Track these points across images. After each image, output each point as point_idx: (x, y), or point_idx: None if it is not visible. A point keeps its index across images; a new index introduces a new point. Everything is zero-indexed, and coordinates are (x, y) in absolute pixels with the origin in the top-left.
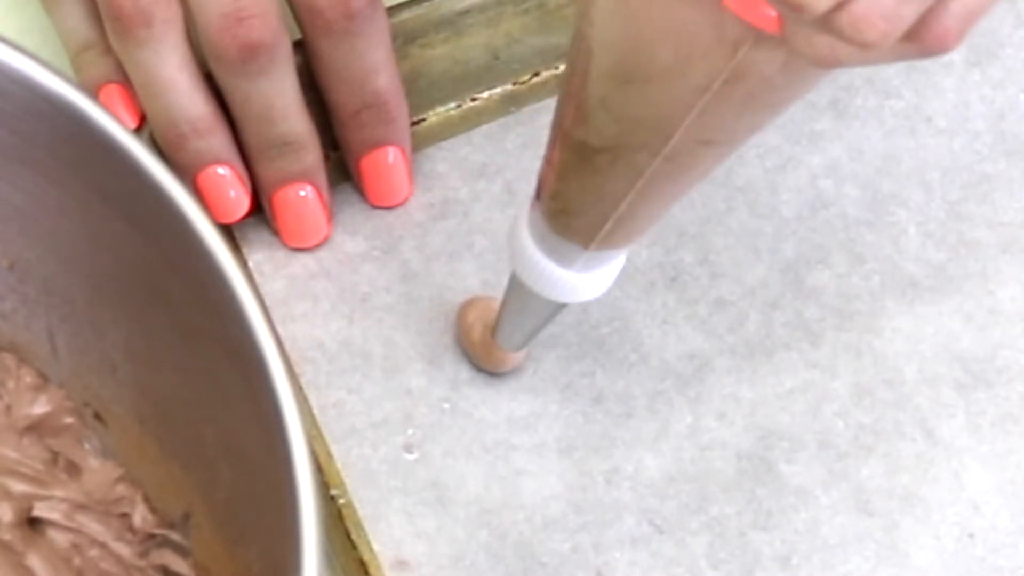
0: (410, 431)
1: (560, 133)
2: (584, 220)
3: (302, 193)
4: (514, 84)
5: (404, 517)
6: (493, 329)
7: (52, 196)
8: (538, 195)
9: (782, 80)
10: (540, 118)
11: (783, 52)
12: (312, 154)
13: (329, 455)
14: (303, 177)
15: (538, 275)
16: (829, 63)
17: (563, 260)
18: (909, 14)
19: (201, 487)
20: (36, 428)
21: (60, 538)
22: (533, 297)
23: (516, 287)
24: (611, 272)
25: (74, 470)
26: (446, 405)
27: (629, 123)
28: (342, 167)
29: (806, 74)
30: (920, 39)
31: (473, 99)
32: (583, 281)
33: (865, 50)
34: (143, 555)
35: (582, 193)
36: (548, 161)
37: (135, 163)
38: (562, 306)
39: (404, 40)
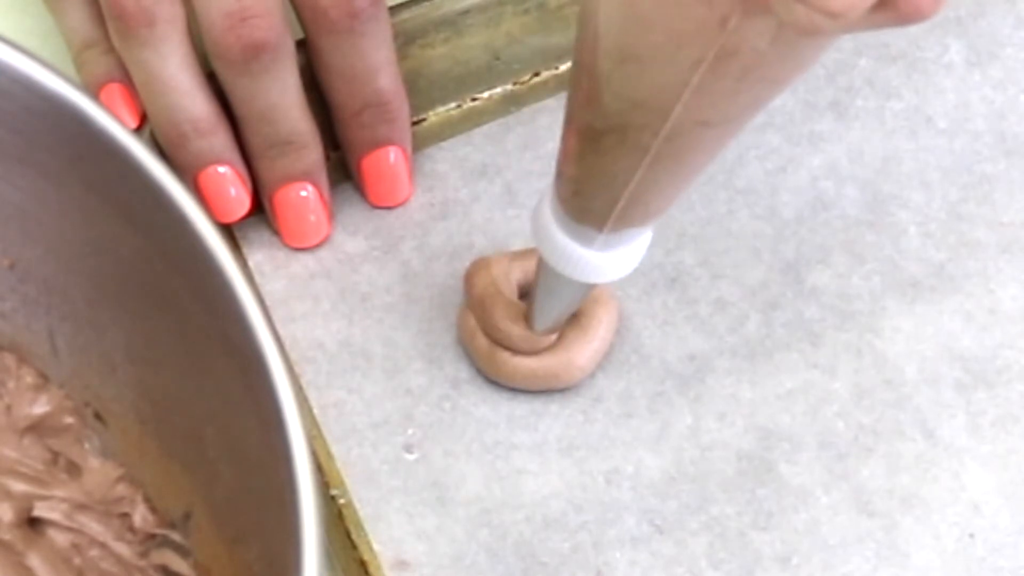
0: (410, 431)
1: (569, 117)
2: (596, 202)
3: (303, 193)
4: (514, 84)
5: (404, 517)
6: (525, 314)
7: (52, 196)
8: (556, 180)
9: (774, 54)
10: (540, 118)
11: (772, 24)
12: (313, 154)
13: (329, 455)
14: (304, 177)
15: (559, 255)
16: (810, 31)
17: (583, 240)
18: None
19: (201, 487)
20: (36, 428)
21: (60, 538)
22: (559, 278)
23: (543, 268)
24: (634, 252)
25: (74, 470)
26: (446, 405)
27: (629, 102)
28: (343, 167)
29: (797, 47)
30: (895, 7)
31: (473, 99)
32: (605, 260)
33: (835, 19)
34: (143, 555)
35: (592, 175)
36: (561, 146)
37: (135, 163)
38: (590, 287)
39: (404, 40)
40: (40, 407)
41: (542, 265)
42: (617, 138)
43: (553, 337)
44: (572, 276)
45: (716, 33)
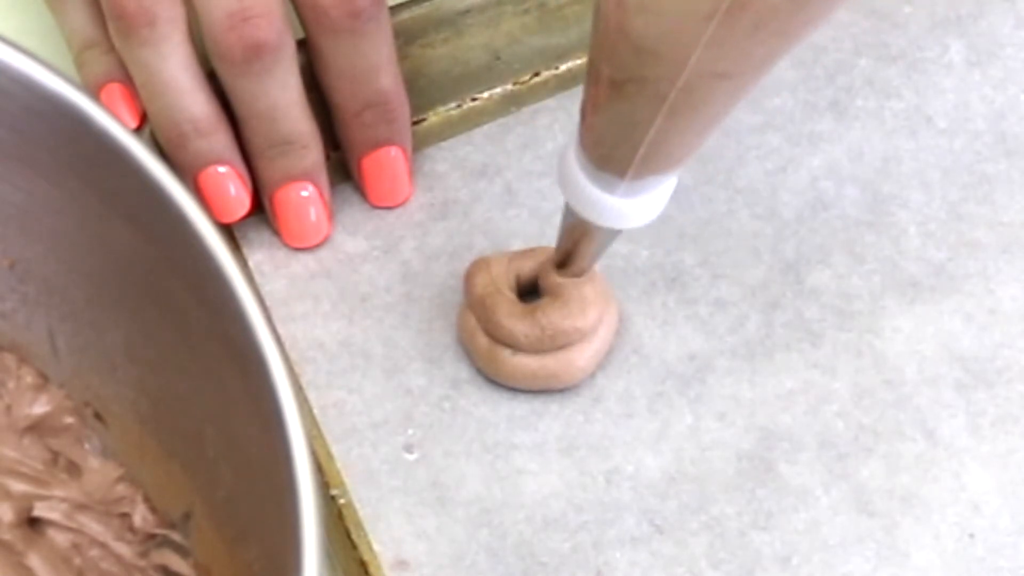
0: (410, 431)
1: (591, 66)
2: (617, 149)
3: (303, 193)
4: (514, 84)
5: (404, 517)
6: (552, 258)
7: (52, 196)
8: (580, 127)
9: (786, 7)
10: (540, 118)
11: None
12: (314, 153)
13: (329, 455)
14: (304, 177)
15: (584, 201)
16: None
17: (606, 187)
18: None
19: (201, 487)
20: (36, 428)
21: (60, 538)
22: (583, 224)
23: (569, 215)
24: (657, 199)
25: (74, 470)
26: (446, 405)
27: (646, 54)
28: (343, 167)
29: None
30: None
31: (473, 99)
32: (628, 207)
33: None
34: (143, 555)
35: (612, 123)
36: (584, 94)
37: (135, 163)
38: (615, 233)
39: (404, 40)
40: (40, 407)
41: (567, 212)
42: (636, 88)
43: (528, 371)
44: (596, 222)
45: None
